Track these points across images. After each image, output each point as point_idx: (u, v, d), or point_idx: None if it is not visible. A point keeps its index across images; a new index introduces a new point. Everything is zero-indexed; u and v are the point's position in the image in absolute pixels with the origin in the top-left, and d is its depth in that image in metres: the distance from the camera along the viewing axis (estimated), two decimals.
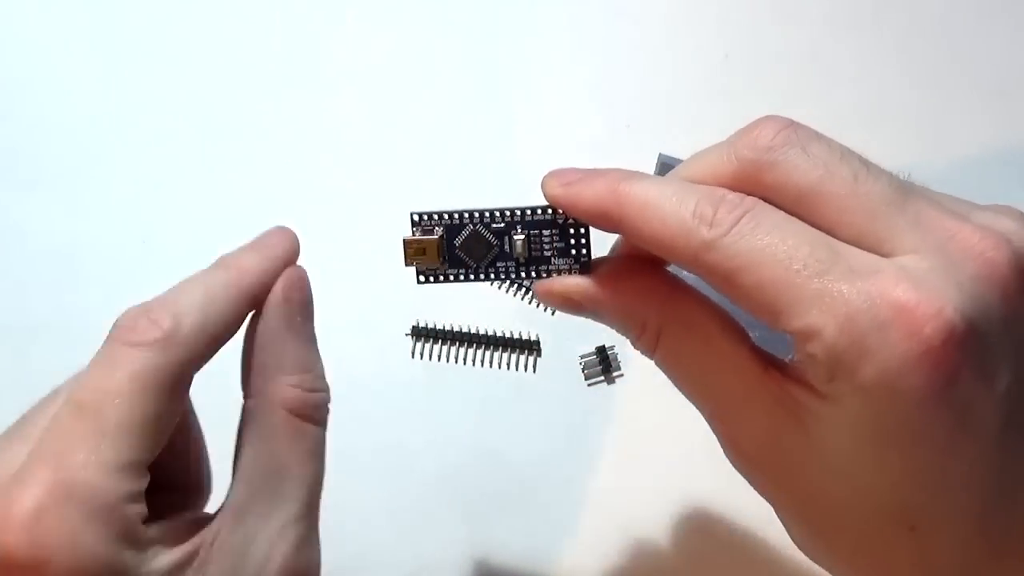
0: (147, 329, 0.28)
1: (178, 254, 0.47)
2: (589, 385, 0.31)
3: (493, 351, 0.33)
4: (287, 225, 0.33)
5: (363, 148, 0.48)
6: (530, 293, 0.31)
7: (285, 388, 0.30)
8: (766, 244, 0.26)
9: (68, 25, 0.50)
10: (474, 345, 0.33)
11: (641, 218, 0.28)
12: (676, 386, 0.29)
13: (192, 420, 0.32)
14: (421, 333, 0.33)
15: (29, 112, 0.49)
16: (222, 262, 0.31)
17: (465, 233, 0.32)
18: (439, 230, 0.32)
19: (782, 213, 0.27)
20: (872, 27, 0.49)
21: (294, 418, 0.30)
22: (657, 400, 0.35)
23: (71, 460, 0.26)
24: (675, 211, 0.27)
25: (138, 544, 0.27)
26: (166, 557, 0.27)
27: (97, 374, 0.27)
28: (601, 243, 0.31)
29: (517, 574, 0.42)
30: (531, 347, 0.34)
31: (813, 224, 0.27)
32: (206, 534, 0.28)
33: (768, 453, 0.28)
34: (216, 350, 0.29)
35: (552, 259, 0.31)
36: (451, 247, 0.32)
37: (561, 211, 0.30)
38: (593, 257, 0.31)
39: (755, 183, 0.27)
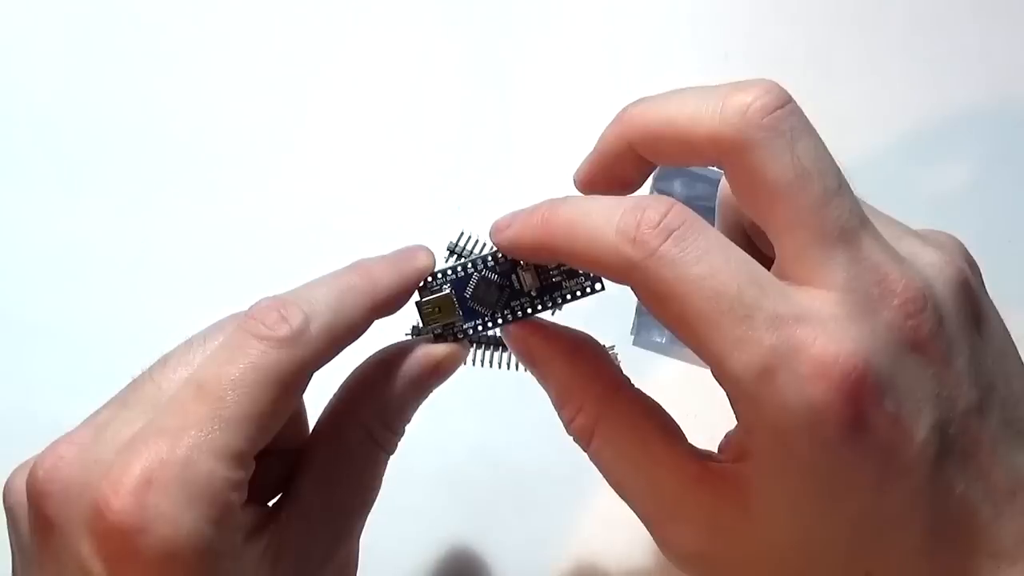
0: (277, 324, 0.28)
1: (177, 255, 0.47)
2: None
3: (493, 351, 0.33)
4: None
5: (362, 149, 0.48)
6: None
7: (378, 428, 0.32)
8: (694, 276, 0.26)
9: (68, 25, 0.50)
10: (474, 345, 0.33)
11: (570, 241, 0.28)
12: (608, 482, 0.29)
13: (302, 415, 0.33)
14: (421, 333, 0.33)
15: (29, 112, 0.49)
16: (357, 267, 0.31)
17: (473, 283, 0.32)
18: (447, 287, 0.32)
19: (712, 233, 0.26)
20: (872, 27, 0.49)
21: (374, 443, 0.32)
22: (656, 400, 0.35)
23: (186, 439, 0.27)
24: (600, 229, 0.27)
25: (233, 531, 0.27)
26: (254, 546, 0.28)
27: (222, 359, 0.28)
28: None
29: (517, 574, 0.42)
30: None
31: (760, 220, 0.27)
32: (283, 529, 0.29)
33: (711, 545, 0.27)
34: (338, 353, 0.30)
35: (563, 283, 0.31)
36: (463, 300, 0.32)
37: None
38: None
39: (728, 151, 0.27)
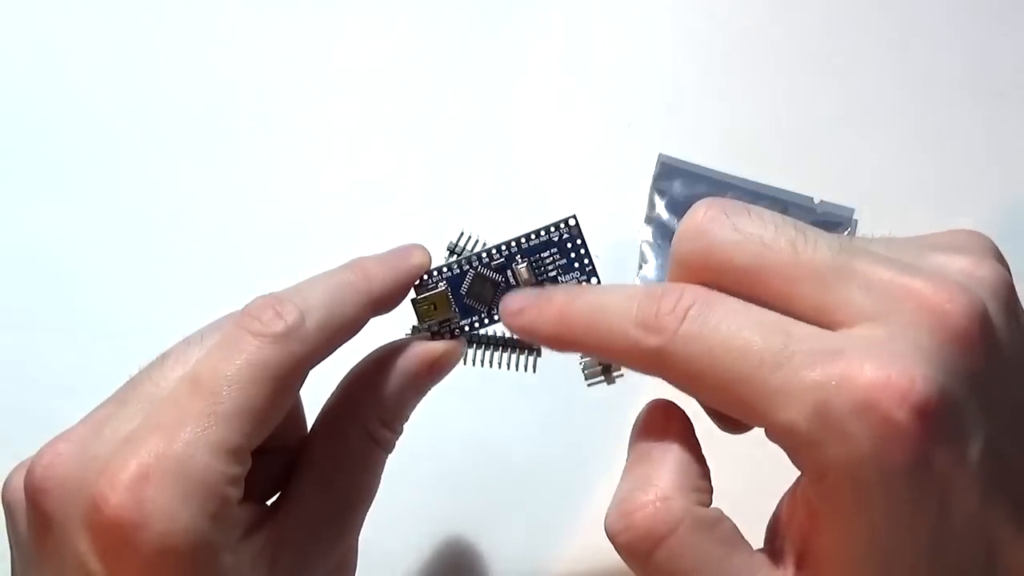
0: (272, 321, 0.29)
1: (178, 254, 0.47)
2: (589, 385, 0.31)
3: (493, 351, 0.33)
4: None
5: (362, 148, 0.48)
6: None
7: (376, 426, 0.32)
8: (718, 343, 0.25)
9: (68, 25, 0.50)
10: (474, 345, 0.33)
11: (591, 337, 0.28)
12: None
13: (299, 412, 0.33)
14: (419, 331, 0.33)
15: (29, 112, 0.49)
16: (353, 265, 0.31)
17: (468, 279, 0.32)
18: (442, 284, 0.32)
19: (729, 300, 0.26)
20: (872, 27, 0.49)
21: (372, 441, 0.32)
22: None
23: (182, 435, 0.27)
24: (619, 323, 0.27)
25: (230, 526, 0.28)
26: (251, 543, 0.28)
27: (218, 356, 0.28)
28: (601, 243, 0.31)
29: (516, 573, 0.42)
30: (531, 347, 0.34)
31: (766, 303, 0.26)
32: (281, 526, 0.29)
33: None
34: (334, 350, 0.30)
35: (559, 278, 0.32)
36: (458, 297, 0.32)
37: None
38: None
39: (704, 275, 0.27)
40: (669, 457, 0.28)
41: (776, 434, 0.25)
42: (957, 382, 0.24)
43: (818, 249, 0.26)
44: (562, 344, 0.29)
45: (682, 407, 0.29)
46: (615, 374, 0.31)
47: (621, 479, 0.28)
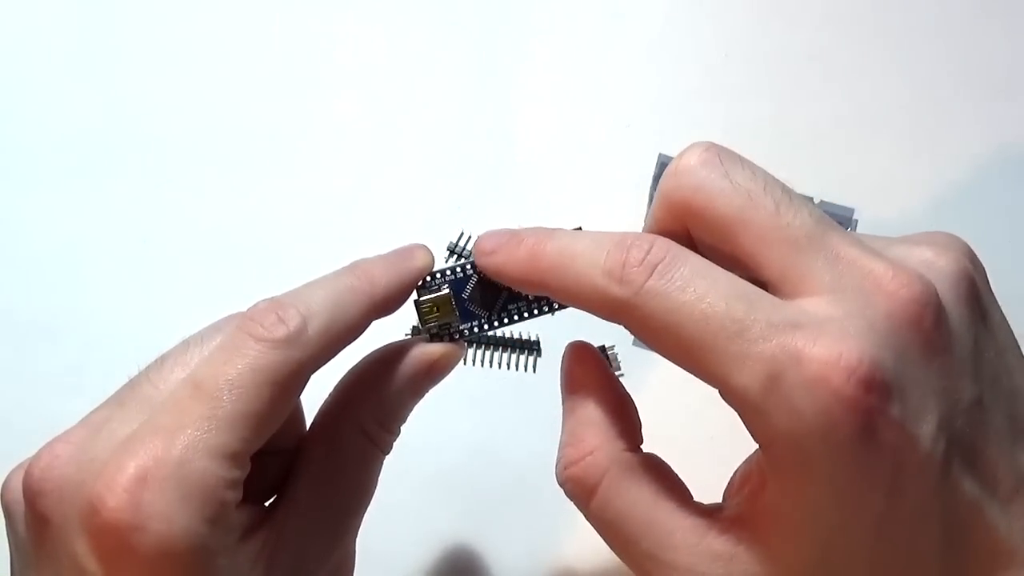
0: (274, 326, 0.28)
1: (178, 254, 0.47)
2: None
3: (493, 351, 0.33)
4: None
5: (362, 148, 0.48)
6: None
7: (374, 427, 0.32)
8: (681, 304, 0.26)
9: (68, 25, 0.50)
10: (474, 345, 0.33)
11: (558, 281, 0.28)
12: (609, 540, 0.28)
13: (299, 415, 0.33)
14: (419, 332, 0.33)
15: (29, 112, 0.49)
16: (355, 268, 0.31)
17: (471, 284, 0.32)
18: (445, 287, 0.32)
19: (696, 260, 0.27)
20: (872, 27, 0.49)
21: (369, 442, 0.32)
22: (656, 399, 0.35)
23: (182, 438, 0.27)
24: (586, 270, 0.27)
25: (228, 530, 0.28)
26: (249, 545, 0.28)
27: (219, 360, 0.28)
28: None
29: (517, 574, 0.42)
30: (531, 347, 0.34)
31: (735, 254, 0.27)
32: (279, 528, 0.29)
33: None
34: (336, 354, 0.30)
35: None
36: (460, 300, 0.32)
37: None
38: None
39: (684, 214, 0.27)
40: (590, 408, 0.29)
41: (729, 396, 0.26)
42: (906, 364, 0.25)
43: (798, 215, 0.26)
44: (531, 286, 0.29)
45: (594, 347, 0.30)
46: (615, 374, 0.31)
47: (560, 435, 0.29)
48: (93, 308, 0.46)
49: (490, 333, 0.33)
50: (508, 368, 0.33)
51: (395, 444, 0.33)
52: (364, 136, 0.48)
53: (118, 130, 0.48)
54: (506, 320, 0.32)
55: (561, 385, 0.31)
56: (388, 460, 0.33)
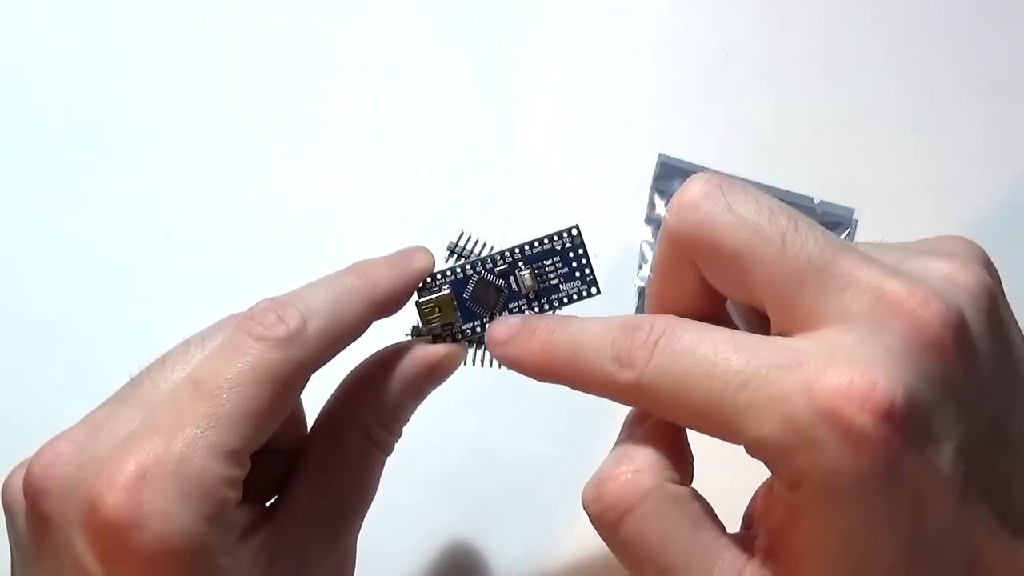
0: (274, 325, 0.29)
1: (178, 254, 0.47)
2: None
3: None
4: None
5: (362, 149, 0.48)
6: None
7: (376, 428, 0.32)
8: (684, 372, 0.26)
9: (68, 25, 0.50)
10: (475, 345, 0.33)
11: (573, 373, 0.28)
12: (638, 567, 0.27)
13: (300, 414, 0.33)
14: (420, 333, 0.33)
15: (29, 112, 0.49)
16: (356, 269, 0.32)
17: (472, 284, 0.32)
18: (446, 288, 0.32)
19: (694, 328, 0.26)
20: (872, 27, 0.49)
21: (371, 443, 0.32)
22: None
23: (182, 436, 0.27)
24: (596, 358, 0.27)
25: (228, 528, 0.28)
26: (250, 544, 0.28)
27: (220, 358, 0.28)
28: (601, 244, 0.31)
29: (516, 574, 0.42)
30: None
31: (745, 289, 0.27)
32: (280, 527, 0.30)
33: None
34: (336, 354, 0.30)
35: (560, 286, 0.32)
36: (461, 301, 0.32)
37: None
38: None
39: (690, 251, 0.27)
40: (650, 437, 0.28)
41: (752, 450, 0.25)
42: (926, 386, 0.24)
43: (805, 244, 0.26)
44: (545, 377, 0.30)
45: None
46: None
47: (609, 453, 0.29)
48: (93, 308, 0.46)
49: None
50: (508, 368, 0.33)
51: (396, 444, 0.33)
52: (364, 136, 0.48)
53: (118, 130, 0.48)
54: None
55: (627, 414, 0.30)
56: (389, 460, 0.33)
